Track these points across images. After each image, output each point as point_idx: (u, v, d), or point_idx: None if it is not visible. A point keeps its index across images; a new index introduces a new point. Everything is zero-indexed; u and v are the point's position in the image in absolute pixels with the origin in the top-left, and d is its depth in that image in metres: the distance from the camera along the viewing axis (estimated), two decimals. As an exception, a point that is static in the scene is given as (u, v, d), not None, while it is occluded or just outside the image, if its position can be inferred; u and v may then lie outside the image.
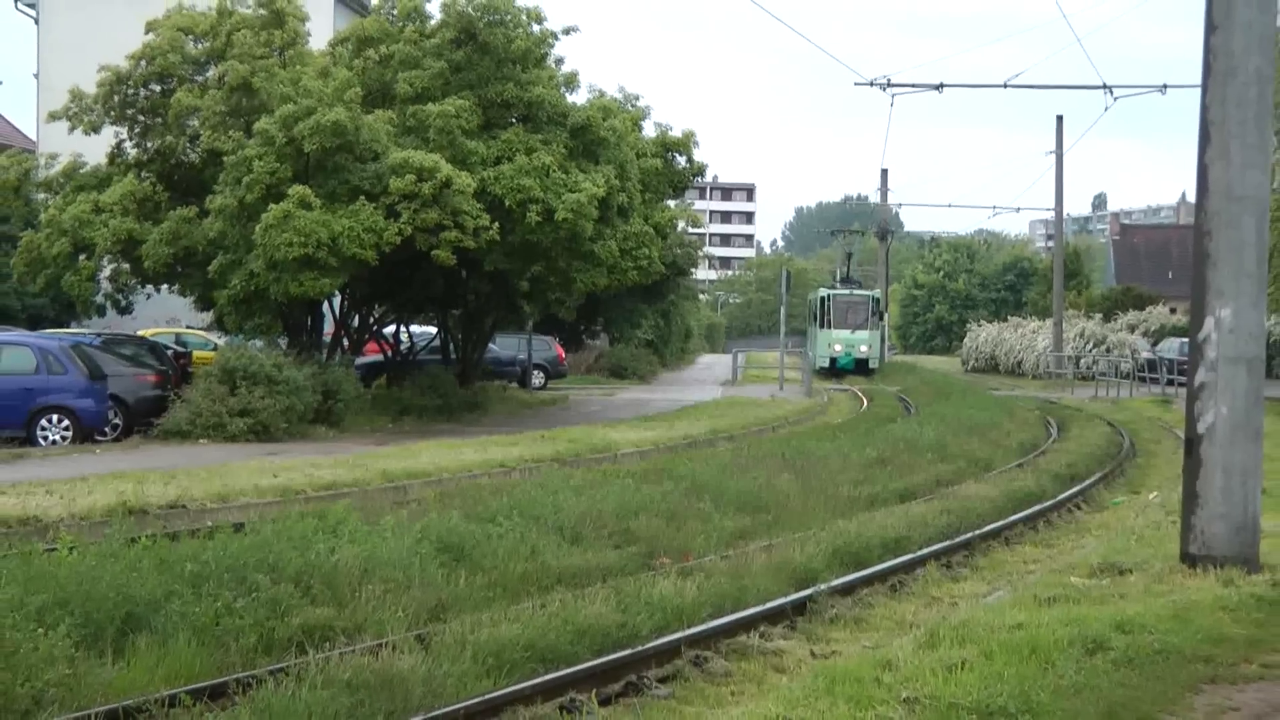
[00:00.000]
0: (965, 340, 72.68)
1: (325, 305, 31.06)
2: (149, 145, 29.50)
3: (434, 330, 37.63)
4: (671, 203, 39.56)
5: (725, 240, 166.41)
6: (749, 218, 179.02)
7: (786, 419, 32.81)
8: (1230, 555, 10.80)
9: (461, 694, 8.33)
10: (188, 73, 29.04)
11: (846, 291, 60.22)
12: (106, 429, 24.98)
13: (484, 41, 28.70)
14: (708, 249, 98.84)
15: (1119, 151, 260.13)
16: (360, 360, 33.05)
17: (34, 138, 49.34)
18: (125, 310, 36.30)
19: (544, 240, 27.69)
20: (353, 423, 27.30)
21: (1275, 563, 11.04)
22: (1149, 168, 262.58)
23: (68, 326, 38.80)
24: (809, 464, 19.24)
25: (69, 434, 24.14)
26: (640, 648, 9.50)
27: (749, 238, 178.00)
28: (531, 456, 21.50)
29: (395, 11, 30.67)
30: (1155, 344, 54.50)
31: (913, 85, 44.02)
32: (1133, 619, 9.03)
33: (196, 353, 33.01)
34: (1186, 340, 11.80)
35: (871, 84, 41.83)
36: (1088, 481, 20.43)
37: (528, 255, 28.70)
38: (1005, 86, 43.31)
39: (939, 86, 43.35)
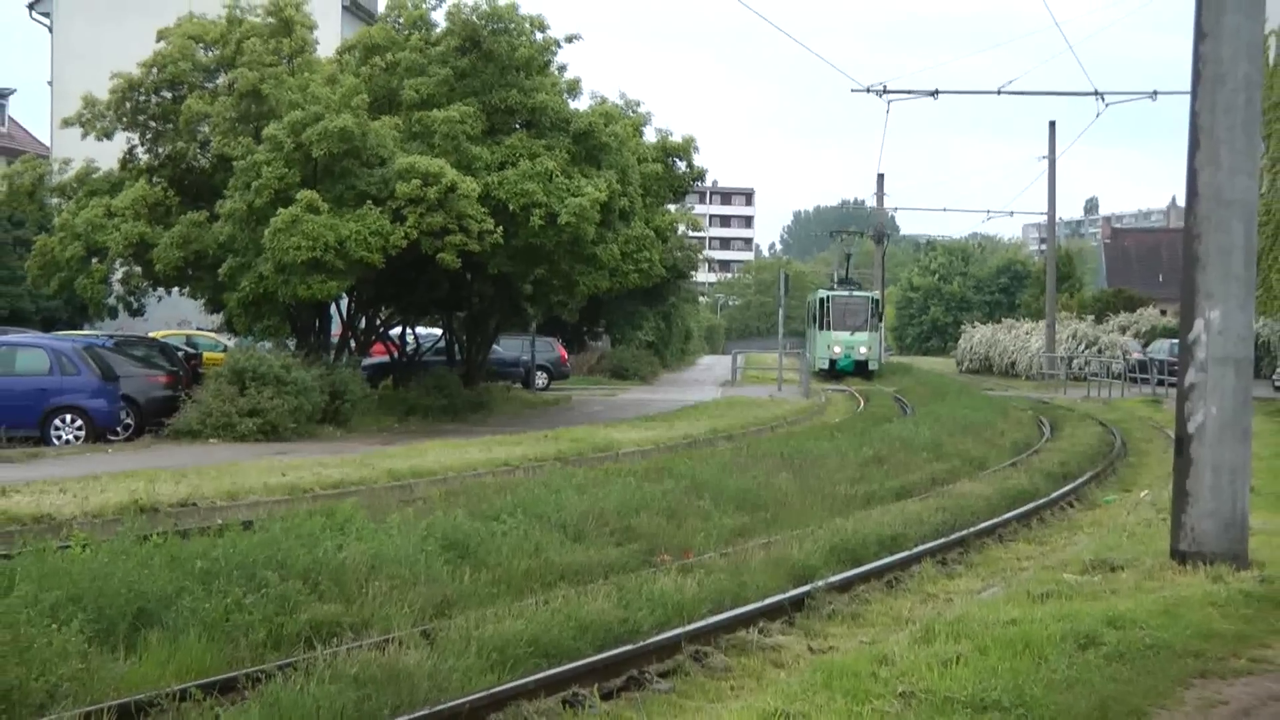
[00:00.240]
0: (960, 342, 72.60)
1: (333, 307, 31.07)
2: (160, 151, 29.52)
3: (439, 332, 37.63)
4: (672, 207, 39.53)
5: (725, 244, 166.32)
6: (748, 222, 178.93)
7: (785, 419, 32.80)
8: (1219, 552, 10.80)
9: (466, 688, 8.32)
10: (198, 80, 29.06)
11: (846, 293, 59.29)
12: (119, 429, 24.99)
13: (488, 49, 28.71)
14: (707, 252, 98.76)
15: (1110, 156, 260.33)
16: (367, 361, 33.06)
17: (48, 143, 49.38)
18: (137, 312, 36.24)
19: (547, 244, 27.70)
20: (360, 423, 27.30)
21: (1263, 559, 11.04)
22: (1140, 172, 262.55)
23: (81, 328, 38.83)
24: (807, 463, 19.23)
25: (82, 433, 24.15)
26: (642, 643, 9.50)
27: (748, 241, 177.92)
28: (535, 455, 21.49)
29: (401, 20, 30.69)
30: (1146, 345, 54.46)
31: (908, 91, 44.15)
32: (1124, 614, 9.03)
33: (207, 354, 33.03)
34: (1176, 341, 11.80)
35: (868, 90, 41.95)
36: (1080, 480, 20.41)
37: (531, 258, 28.71)
38: (999, 93, 43.47)
39: (934, 93, 43.41)
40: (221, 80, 28.61)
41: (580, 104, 30.54)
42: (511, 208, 27.04)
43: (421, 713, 7.77)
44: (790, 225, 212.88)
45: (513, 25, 28.98)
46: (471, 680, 8.49)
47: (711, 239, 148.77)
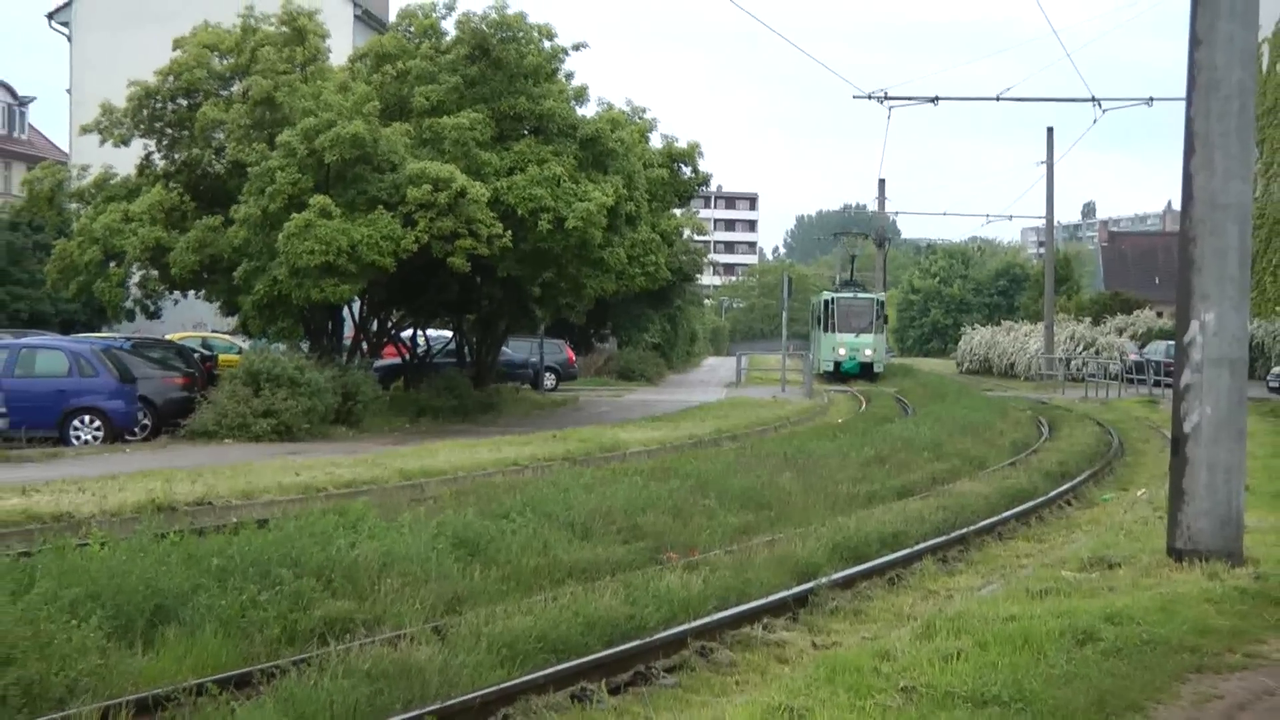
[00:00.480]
0: (960, 343, 72.50)
1: (345, 310, 31.09)
2: (176, 157, 29.55)
3: (450, 334, 37.65)
4: (677, 211, 39.52)
5: (729, 247, 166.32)
6: (752, 226, 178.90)
7: (788, 419, 32.79)
8: (1215, 549, 10.79)
9: (477, 683, 8.33)
10: (213, 87, 29.09)
11: (850, 294, 58.15)
12: (136, 429, 25.03)
13: (497, 57, 28.73)
14: (712, 256, 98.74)
15: (1107, 161, 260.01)
16: (379, 363, 33.07)
17: (67, 150, 49.50)
18: (154, 315, 36.26)
19: (555, 247, 27.72)
20: (372, 423, 27.31)
21: (1258, 557, 11.03)
22: (1136, 177, 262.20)
23: (99, 331, 38.90)
24: (810, 462, 19.21)
25: (100, 434, 24.20)
26: (648, 639, 9.50)
27: (752, 245, 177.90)
28: (543, 455, 21.49)
29: (412, 29, 30.70)
30: (1143, 347, 54.36)
31: (909, 98, 44.14)
32: (1121, 611, 9.02)
33: (222, 356, 33.07)
34: (1173, 343, 11.79)
35: (869, 97, 41.93)
36: (1078, 479, 20.38)
37: (539, 262, 28.73)
38: (998, 99, 43.40)
39: (934, 99, 43.41)
40: (236, 88, 28.65)
41: (587, 110, 30.58)
42: (520, 212, 27.06)
43: (433, 707, 7.76)
44: (793, 229, 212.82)
45: (521, 34, 29.01)
46: (482, 675, 8.50)
47: (716, 243, 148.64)
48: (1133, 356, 49.96)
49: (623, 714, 8.36)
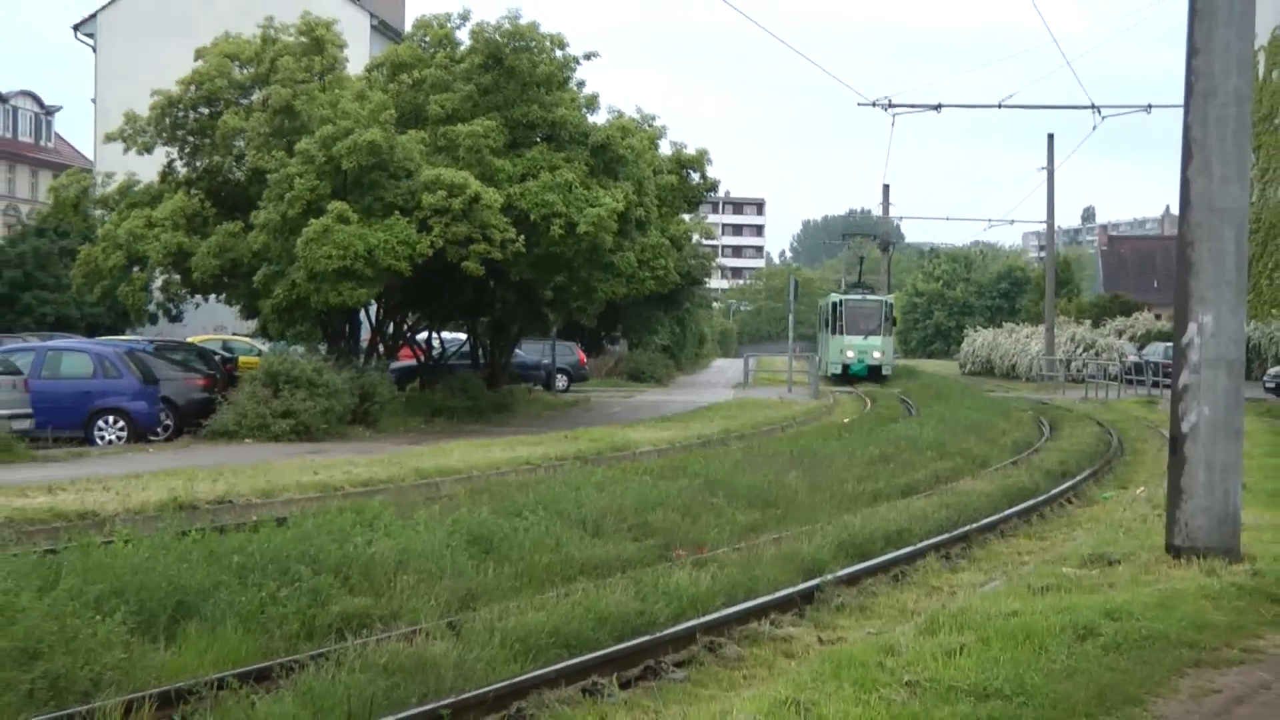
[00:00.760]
0: (963, 345, 72.38)
1: (362, 313, 31.12)
2: (198, 164, 29.61)
3: (464, 336, 37.67)
4: (686, 216, 39.51)
5: (736, 251, 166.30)
6: (759, 230, 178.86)
7: (795, 419, 32.75)
8: (1213, 546, 10.76)
9: (491, 677, 8.34)
10: (234, 96, 29.14)
11: (859, 296, 57.30)
12: (159, 429, 25.07)
13: (510, 66, 28.75)
14: (720, 260, 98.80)
15: (1107, 167, 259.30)
16: (395, 365, 33.09)
17: (91, 158, 49.57)
18: (176, 318, 36.35)
19: (566, 252, 27.73)
20: (388, 423, 27.32)
21: (1255, 554, 10.99)
22: (1135, 182, 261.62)
23: (123, 334, 38.99)
24: (816, 461, 19.20)
25: (124, 434, 24.26)
26: (658, 634, 9.50)
27: (759, 249, 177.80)
28: (556, 455, 21.48)
29: (427, 39, 30.73)
30: (1141, 348, 54.21)
31: (912, 106, 44.18)
32: (1121, 607, 9.00)
33: (242, 358, 33.12)
34: (1171, 344, 11.76)
35: (874, 104, 41.85)
36: (1078, 477, 20.34)
37: (551, 266, 28.74)
38: (1000, 107, 43.36)
39: (937, 107, 43.32)
40: (256, 97, 28.70)
41: (598, 118, 30.59)
42: (533, 218, 27.07)
43: (448, 700, 7.77)
44: (799, 234, 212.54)
45: (534, 43, 29.02)
46: (495, 669, 8.50)
47: (724, 247, 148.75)
48: (1131, 358, 49.84)
49: (633, 708, 8.36)
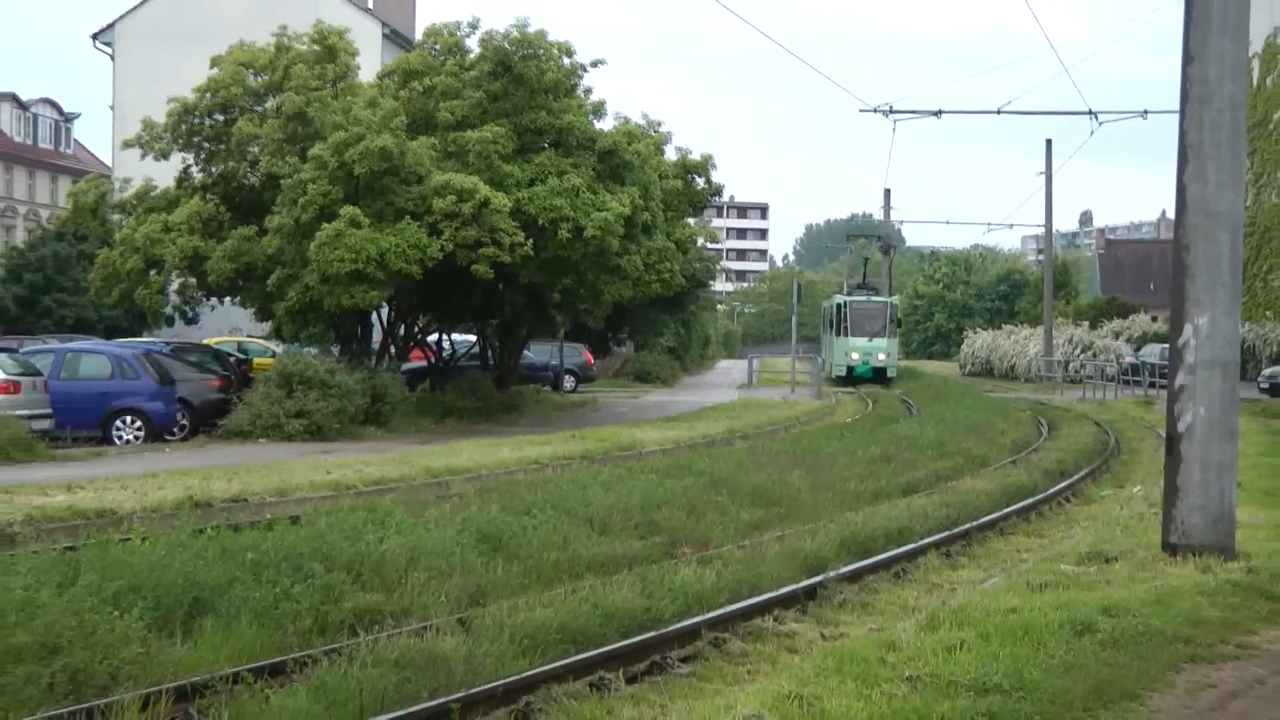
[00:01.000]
0: (963, 346, 72.28)
1: (374, 316, 31.14)
2: (213, 170, 29.65)
3: (473, 338, 37.70)
4: (691, 220, 39.53)
5: (741, 255, 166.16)
6: (763, 234, 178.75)
7: (798, 419, 32.74)
8: (1208, 544, 10.74)
9: (500, 672, 8.34)
10: (248, 103, 29.16)
11: (864, 298, 56.02)
12: (175, 429, 25.11)
13: (519, 74, 28.76)
14: (725, 263, 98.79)
15: (1104, 172, 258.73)
16: (406, 366, 33.12)
17: (109, 164, 49.69)
18: (192, 321, 36.48)
19: (574, 256, 27.73)
20: (399, 424, 27.34)
21: (1250, 551, 10.98)
22: (1132, 187, 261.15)
23: (140, 336, 39.03)
24: (818, 461, 19.18)
25: (141, 434, 24.30)
26: (664, 630, 9.50)
27: (763, 253, 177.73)
28: (563, 454, 21.48)
29: (438, 47, 30.75)
30: (1138, 349, 54.16)
31: (913, 111, 44.06)
32: (1118, 603, 8.99)
33: (256, 360, 33.14)
34: (1167, 346, 11.73)
35: (875, 110, 41.91)
36: (1076, 476, 20.32)
37: (559, 269, 28.75)
38: (999, 113, 43.23)
39: (938, 113, 43.33)
40: (270, 104, 28.72)
41: (605, 124, 30.57)
42: (541, 222, 27.08)
43: (458, 695, 7.77)
44: (802, 237, 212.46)
45: (542, 51, 29.04)
46: (504, 664, 8.50)
47: (728, 250, 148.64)
48: (1128, 359, 49.80)
49: (639, 702, 8.35)
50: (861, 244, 76.55)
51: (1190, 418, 10.83)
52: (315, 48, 29.09)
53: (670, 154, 33.59)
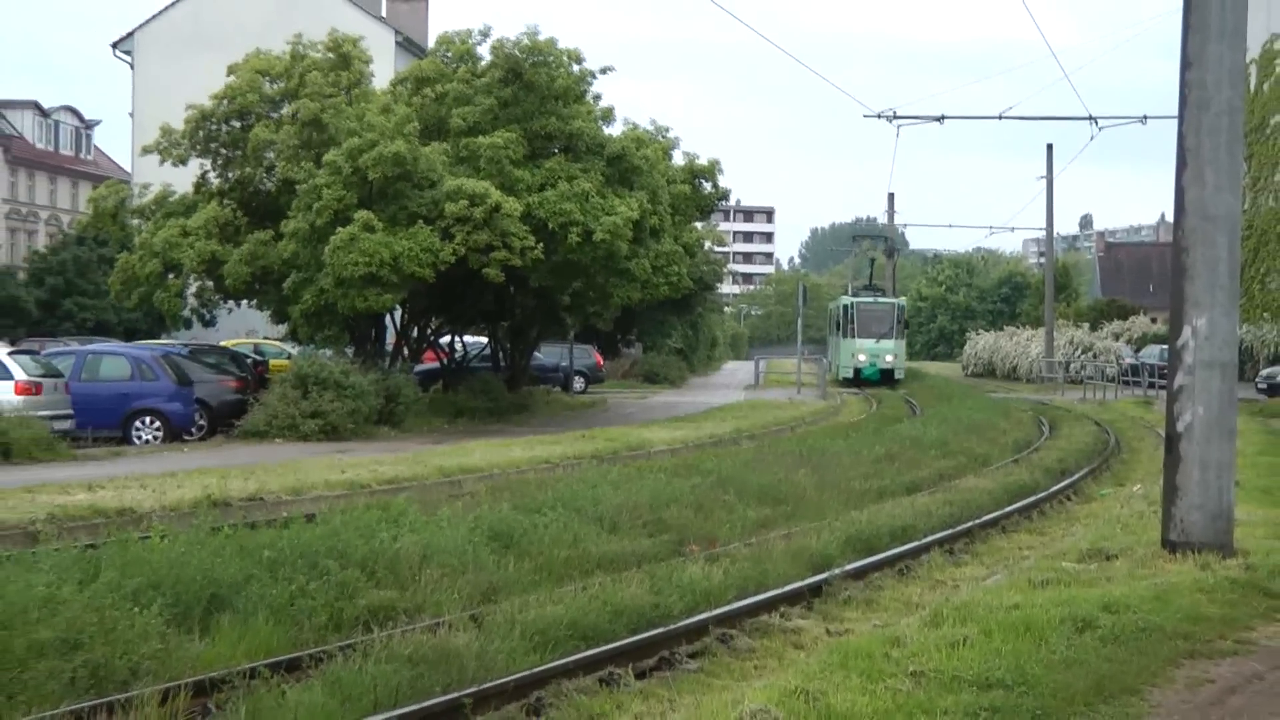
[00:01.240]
0: (965, 348, 72.12)
1: (387, 318, 31.18)
2: (230, 175, 29.71)
3: (485, 340, 37.72)
4: (698, 224, 39.50)
5: (747, 258, 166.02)
6: (769, 237, 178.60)
7: (803, 420, 32.70)
8: (1207, 542, 10.72)
9: (511, 668, 8.35)
10: (264, 110, 29.22)
11: (871, 299, 54.70)
12: (193, 429, 25.16)
13: (529, 80, 28.77)
14: (731, 266, 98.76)
15: (1104, 176, 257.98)
16: (419, 367, 33.14)
17: (129, 170, 49.81)
18: (209, 323, 36.63)
19: (584, 259, 27.74)
20: (412, 424, 27.36)
21: (1248, 549, 10.95)
22: (1131, 190, 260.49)
23: (158, 338, 39.12)
24: (824, 460, 19.17)
25: (160, 434, 24.35)
26: (672, 626, 9.51)
27: (769, 256, 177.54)
28: (573, 454, 21.48)
29: (450, 54, 30.78)
30: (1138, 351, 54.02)
31: (916, 117, 44.05)
32: (1118, 600, 8.97)
33: (273, 361, 33.18)
34: (1166, 347, 11.71)
35: (879, 116, 41.81)
36: (1077, 475, 20.29)
37: (569, 273, 28.77)
38: (1000, 118, 43.27)
39: (940, 118, 43.33)
40: (286, 110, 28.77)
41: (614, 130, 30.56)
42: (551, 226, 27.09)
43: (470, 690, 7.78)
44: (808, 240, 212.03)
45: (552, 58, 29.05)
46: (516, 660, 8.51)
47: (735, 253, 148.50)
48: (1128, 360, 49.67)
49: (648, 697, 8.36)
50: (866, 246, 76.25)
51: (1189, 417, 10.81)
52: (330, 55, 29.16)
53: (678, 159, 33.60)
